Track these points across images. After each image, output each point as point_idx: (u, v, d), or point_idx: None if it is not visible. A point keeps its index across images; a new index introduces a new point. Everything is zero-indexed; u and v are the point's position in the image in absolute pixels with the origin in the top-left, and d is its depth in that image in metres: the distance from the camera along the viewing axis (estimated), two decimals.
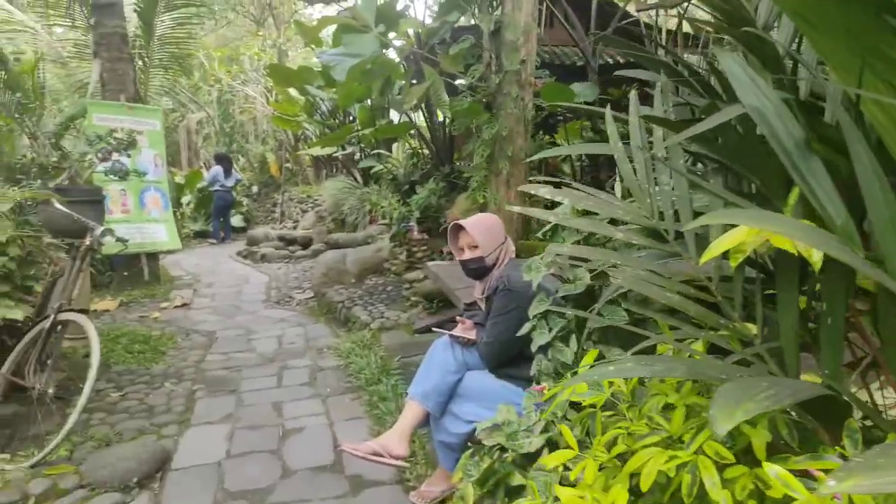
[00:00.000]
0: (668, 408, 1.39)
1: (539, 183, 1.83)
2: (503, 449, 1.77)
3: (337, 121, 11.90)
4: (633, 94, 1.89)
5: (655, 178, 1.71)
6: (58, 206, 3.72)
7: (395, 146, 10.44)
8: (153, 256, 7.50)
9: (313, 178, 15.78)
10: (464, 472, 1.80)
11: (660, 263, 1.58)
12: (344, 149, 11.67)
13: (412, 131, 7.66)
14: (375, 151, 8.93)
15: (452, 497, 2.58)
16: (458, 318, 2.82)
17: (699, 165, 1.87)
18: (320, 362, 4.67)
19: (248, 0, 19.84)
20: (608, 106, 1.98)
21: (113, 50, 7.26)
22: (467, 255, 2.64)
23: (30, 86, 7.35)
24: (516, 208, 1.90)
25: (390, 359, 4.44)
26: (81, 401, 3.13)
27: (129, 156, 6.58)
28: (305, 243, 10.58)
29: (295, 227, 12.46)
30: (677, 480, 1.17)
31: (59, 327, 3.50)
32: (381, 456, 2.45)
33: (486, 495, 1.76)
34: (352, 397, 3.94)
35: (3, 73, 7.15)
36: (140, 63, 9.89)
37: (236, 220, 13.40)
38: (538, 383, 2.08)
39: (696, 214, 1.57)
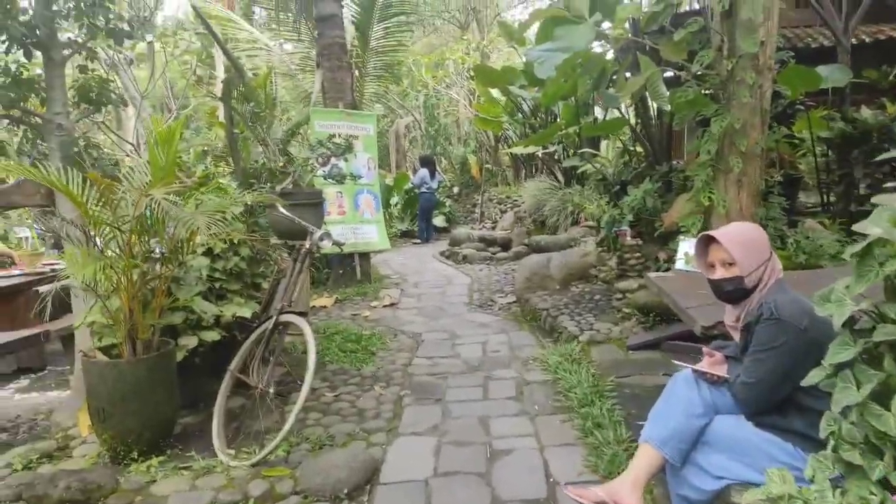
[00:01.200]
0: None
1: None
2: None
3: (538, 120, 11.66)
4: None
5: None
6: (281, 209, 3.86)
7: (603, 144, 9.92)
8: (365, 256, 7.81)
9: (512, 178, 15.72)
10: None
11: None
12: (545, 148, 11.40)
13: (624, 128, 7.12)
14: (581, 150, 8.49)
15: None
16: (705, 349, 2.36)
17: None
18: (526, 375, 4.40)
19: (454, 6, 20.38)
20: None
21: (333, 59, 7.68)
22: (720, 273, 2.18)
23: (262, 97, 8.03)
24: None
25: (603, 378, 4.04)
26: (298, 404, 3.17)
27: (346, 160, 6.89)
28: (505, 244, 10.46)
29: (494, 228, 12.45)
30: None
31: (281, 328, 3.61)
32: None
33: None
34: (562, 419, 3.61)
35: (242, 86, 7.91)
36: (356, 72, 10.46)
37: (439, 221, 13.74)
38: (834, 450, 1.58)
39: None
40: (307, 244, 3.77)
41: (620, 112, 7.23)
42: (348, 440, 3.43)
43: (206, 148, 10.20)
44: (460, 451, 3.27)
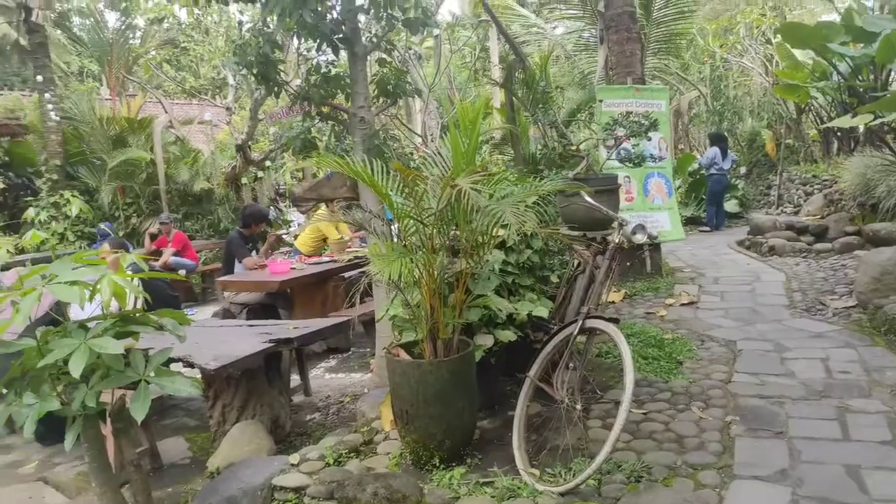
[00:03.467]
0: None
1: None
2: None
3: (866, 82, 9.56)
4: None
5: None
6: (587, 198, 3.39)
7: None
8: (656, 247, 7.04)
9: (820, 154, 13.35)
10: None
11: None
12: (876, 118, 9.31)
13: None
14: None
15: None
16: None
17: None
18: None
19: None
20: None
21: (622, 31, 7.02)
22: None
23: (544, 79, 7.68)
24: None
25: None
26: (615, 430, 2.66)
27: (636, 144, 6.22)
28: (819, 233, 8.75)
29: (797, 213, 10.59)
30: None
31: (587, 334, 3.15)
32: None
33: None
34: None
35: (522, 71, 7.66)
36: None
37: (730, 206, 12.19)
38: None
39: None
40: (616, 237, 3.25)
41: None
42: (670, 476, 2.85)
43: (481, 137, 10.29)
44: None
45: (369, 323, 5.46)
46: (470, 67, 12.47)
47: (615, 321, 3.07)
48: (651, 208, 6.99)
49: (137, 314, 2.61)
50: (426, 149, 7.41)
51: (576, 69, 12.65)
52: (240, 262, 6.40)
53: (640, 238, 3.20)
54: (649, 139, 5.80)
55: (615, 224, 3.36)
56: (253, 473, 2.98)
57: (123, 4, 17.74)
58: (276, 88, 4.59)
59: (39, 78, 11.45)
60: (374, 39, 4.72)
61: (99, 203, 11.14)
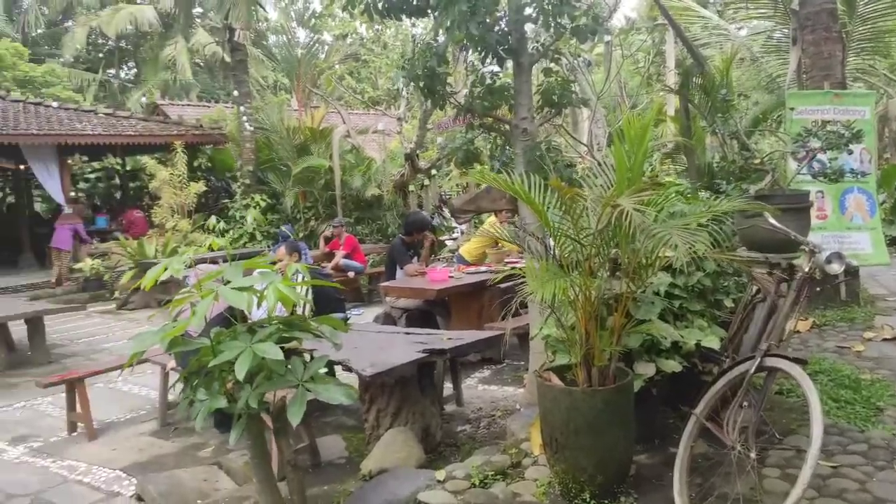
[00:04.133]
0: None
1: None
2: None
3: None
4: None
5: None
6: (771, 220, 3.03)
7: None
8: (853, 272, 6.21)
9: None
10: None
11: None
12: None
13: None
14: None
15: None
16: None
17: None
18: None
19: None
20: None
21: (819, 30, 6.28)
22: None
23: (726, 84, 7.09)
24: None
25: None
26: (797, 490, 2.32)
27: (834, 157, 5.52)
28: None
29: None
30: None
31: (766, 374, 2.80)
32: None
33: None
34: None
35: (700, 76, 7.13)
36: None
37: None
38: None
39: None
40: (805, 266, 2.86)
41: None
42: None
43: (652, 146, 9.76)
44: None
45: (524, 335, 5.36)
46: (643, 73, 11.93)
47: (802, 362, 2.68)
48: (848, 228, 6.16)
49: (300, 320, 2.74)
50: (591, 159, 7.16)
51: (762, 72, 11.61)
52: (401, 268, 6.60)
53: (835, 269, 2.79)
54: (850, 152, 5.10)
55: (805, 248, 2.96)
56: (399, 486, 3.01)
57: (313, 22, 19.29)
58: (441, 101, 4.66)
59: (235, 92, 12.75)
60: (541, 49, 4.62)
61: (283, 206, 12.16)
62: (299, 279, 2.87)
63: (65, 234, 11.28)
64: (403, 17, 4.78)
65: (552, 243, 3.07)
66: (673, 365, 3.24)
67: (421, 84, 4.40)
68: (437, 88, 4.48)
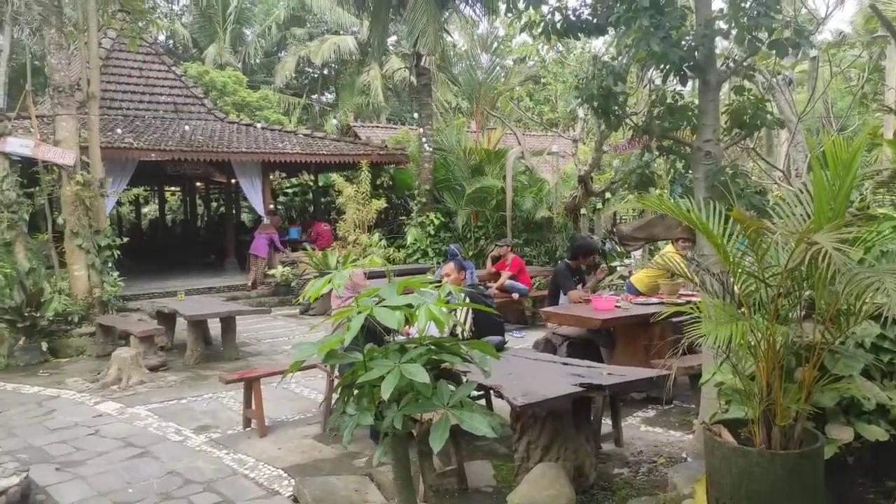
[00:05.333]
0: None
1: None
2: None
3: None
4: None
5: None
6: None
7: None
8: None
9: None
10: None
11: None
12: None
13: None
14: None
15: None
16: None
17: None
18: None
19: None
20: None
21: None
22: None
23: None
24: None
25: None
26: None
27: None
28: None
29: None
30: None
31: None
32: None
33: None
34: None
35: None
36: None
37: None
38: None
39: None
40: None
41: None
42: None
43: (862, 173, 8.56)
44: None
45: (696, 376, 4.90)
46: (855, 92, 10.59)
47: None
48: None
49: (451, 342, 2.69)
50: (788, 186, 6.44)
51: None
52: (565, 293, 6.38)
53: None
54: None
55: None
56: None
57: (495, 45, 19.72)
58: (616, 121, 4.45)
59: (416, 115, 13.35)
60: (732, 65, 4.24)
61: (454, 225, 12.46)
62: (454, 301, 2.83)
63: (262, 242, 12.46)
64: (581, 35, 4.66)
65: (732, 280, 2.75)
66: (878, 432, 2.74)
67: (595, 104, 4.24)
68: (613, 108, 4.29)
